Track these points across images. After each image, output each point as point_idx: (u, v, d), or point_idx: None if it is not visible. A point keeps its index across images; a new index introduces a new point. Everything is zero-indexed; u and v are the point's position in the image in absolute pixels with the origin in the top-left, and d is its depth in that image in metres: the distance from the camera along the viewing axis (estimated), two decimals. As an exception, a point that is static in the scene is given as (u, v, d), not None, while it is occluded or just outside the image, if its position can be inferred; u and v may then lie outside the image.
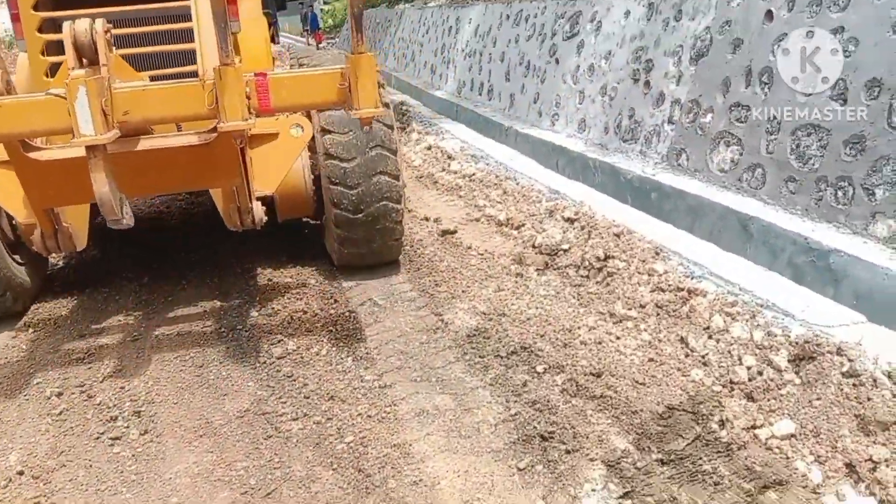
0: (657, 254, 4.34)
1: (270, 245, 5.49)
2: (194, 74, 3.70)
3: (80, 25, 2.95)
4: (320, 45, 25.75)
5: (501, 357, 3.64)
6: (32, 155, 3.28)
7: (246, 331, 4.17)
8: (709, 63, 5.74)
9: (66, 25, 2.97)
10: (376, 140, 4.39)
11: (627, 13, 7.17)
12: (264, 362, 3.80)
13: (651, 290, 4.03)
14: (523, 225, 5.56)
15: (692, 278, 4.05)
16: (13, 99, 3.02)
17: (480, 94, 11.05)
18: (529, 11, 9.80)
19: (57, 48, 3.97)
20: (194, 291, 4.78)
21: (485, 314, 4.15)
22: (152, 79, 3.75)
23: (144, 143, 3.29)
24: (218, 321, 4.31)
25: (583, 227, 5.08)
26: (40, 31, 4.06)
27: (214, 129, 3.16)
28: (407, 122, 10.24)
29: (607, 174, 6.60)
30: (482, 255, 5.15)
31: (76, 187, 3.15)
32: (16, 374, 3.83)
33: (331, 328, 4.14)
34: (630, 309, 3.92)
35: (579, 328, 3.87)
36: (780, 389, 3.04)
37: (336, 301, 4.50)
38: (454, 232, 5.68)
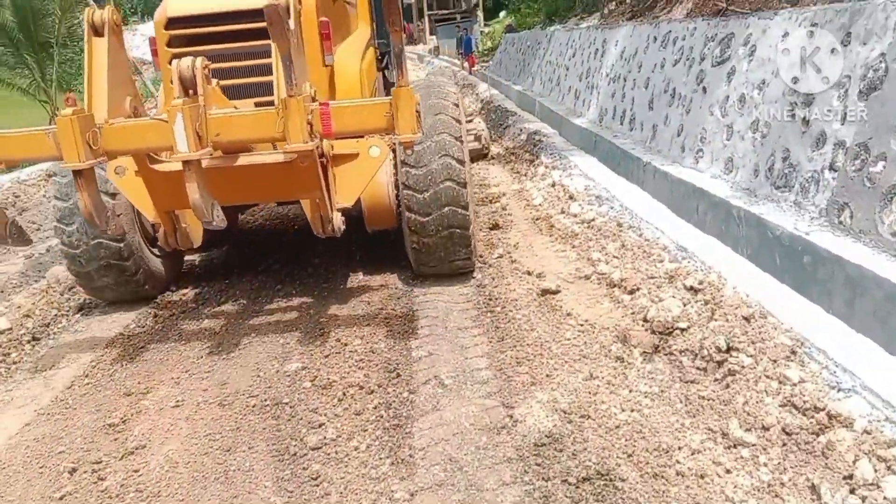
0: (794, 353, 3.34)
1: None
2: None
3: (184, 63, 3.57)
4: (473, 69, 25.54)
5: (570, 484, 2.84)
6: (154, 166, 4.05)
7: (291, 406, 3.66)
8: (882, 99, 4.56)
9: (174, 63, 3.60)
10: (445, 175, 4.86)
11: (786, 35, 6.04)
12: (295, 454, 3.24)
13: (780, 404, 3.06)
14: (638, 289, 4.68)
15: (837, 391, 3.03)
16: (133, 121, 3.84)
17: (622, 124, 10.10)
18: (678, 33, 8.76)
19: None
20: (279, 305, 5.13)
21: (565, 413, 3.36)
22: (257, 104, 4.41)
23: (235, 160, 3.97)
24: (268, 388, 3.85)
25: (706, 302, 4.12)
26: (170, 63, 4.33)
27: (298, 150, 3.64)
28: (536, 155, 9.51)
29: (752, 227, 5.52)
30: (581, 325, 4.33)
31: (186, 193, 3.57)
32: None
33: (382, 412, 3.53)
34: (749, 430, 2.98)
35: (680, 449, 2.98)
36: None
37: (398, 375, 3.89)
38: (556, 292, 4.90)
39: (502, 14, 40.65)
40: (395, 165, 5.07)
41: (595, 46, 12.65)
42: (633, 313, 4.40)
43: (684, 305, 4.20)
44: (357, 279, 5.60)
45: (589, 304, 4.69)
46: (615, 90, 10.83)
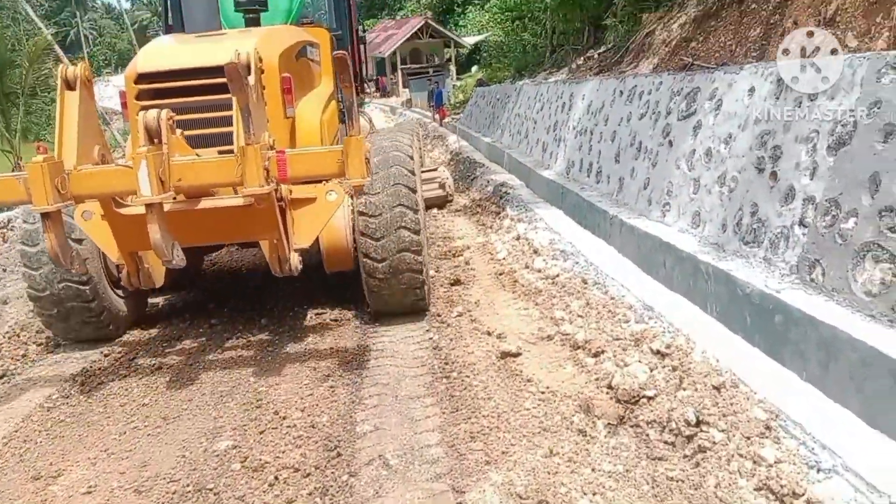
0: (768, 428, 3.03)
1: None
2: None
3: (150, 114, 3.89)
4: (444, 121, 25.62)
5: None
6: (119, 210, 4.28)
7: (216, 493, 3.25)
8: (852, 153, 4.39)
9: (140, 114, 3.92)
10: (399, 223, 5.14)
11: (752, 90, 5.92)
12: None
13: (755, 487, 2.74)
14: (602, 352, 4.38)
15: (817, 471, 2.72)
16: (100, 168, 4.13)
17: (589, 176, 9.95)
18: (643, 87, 8.69)
19: None
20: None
21: (521, 498, 3.00)
22: (220, 152, 4.60)
23: (196, 204, 4.21)
24: (192, 470, 3.44)
25: (674, 368, 3.83)
26: (138, 115, 4.61)
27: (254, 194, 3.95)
28: (502, 207, 9.30)
29: (721, 283, 5.27)
30: (542, 393, 4.00)
31: (147, 236, 3.80)
32: None
33: (317, 500, 3.14)
34: (722, 520, 2.66)
35: (645, 542, 2.64)
36: None
37: (339, 455, 3.51)
38: (517, 355, 4.58)
39: (474, 69, 41.27)
40: (353, 211, 5.28)
41: (562, 100, 12.63)
42: (597, 379, 4.08)
43: (651, 371, 3.91)
44: (308, 333, 5.28)
45: (551, 369, 4.37)
46: (582, 143, 10.74)
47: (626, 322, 4.69)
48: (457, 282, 6.36)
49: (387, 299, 5.36)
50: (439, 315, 5.45)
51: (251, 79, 3.96)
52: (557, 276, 6.00)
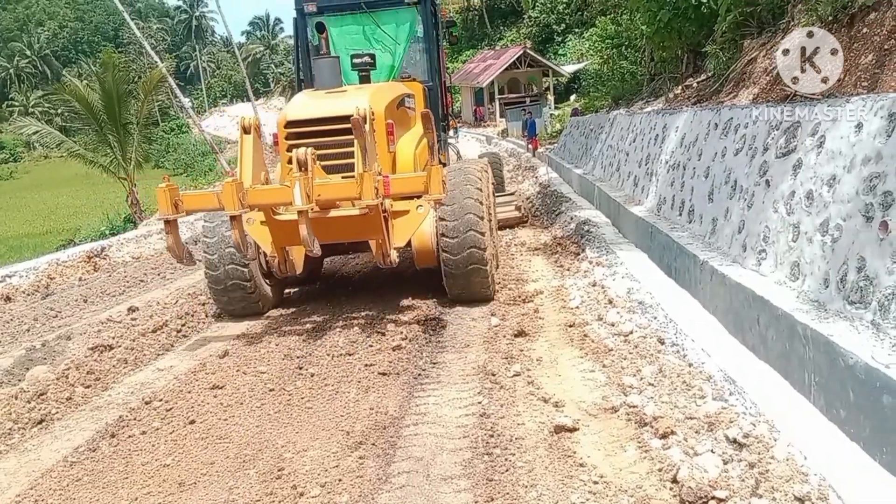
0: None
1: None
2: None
3: (300, 151, 5.73)
4: (537, 151, 25.13)
5: None
6: (276, 217, 6.22)
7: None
8: None
9: (294, 151, 5.82)
10: (468, 226, 6.81)
11: (859, 126, 5.14)
12: None
13: None
14: (671, 434, 3.75)
15: None
16: (268, 186, 6.21)
17: (680, 215, 9.22)
18: (740, 120, 7.94)
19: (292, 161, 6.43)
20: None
21: None
22: (343, 177, 6.36)
23: (327, 213, 6.05)
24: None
25: (751, 465, 3.17)
26: (287, 150, 6.76)
27: (367, 207, 5.78)
28: (582, 247, 8.72)
29: (820, 351, 4.52)
30: (595, 483, 3.43)
31: (296, 235, 5.69)
32: None
33: None
34: None
35: None
36: None
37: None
38: (573, 430, 4.03)
39: (573, 98, 40.67)
40: (437, 222, 6.95)
41: (655, 132, 11.96)
42: (660, 469, 3.47)
43: (724, 465, 3.27)
44: (352, 387, 4.92)
45: (610, 451, 3.78)
46: (674, 178, 10.03)
47: (702, 398, 4.05)
48: (521, 333, 5.93)
49: (460, 287, 7.03)
50: (494, 374, 4.99)
51: (367, 126, 5.91)
52: (631, 333, 5.43)
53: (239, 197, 5.77)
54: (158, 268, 10.69)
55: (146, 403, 5.08)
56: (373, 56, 8.07)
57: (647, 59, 19.62)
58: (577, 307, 6.57)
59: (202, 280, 8.54)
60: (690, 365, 4.60)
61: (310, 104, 7.21)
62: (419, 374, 5.26)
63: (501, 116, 46.83)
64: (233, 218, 5.88)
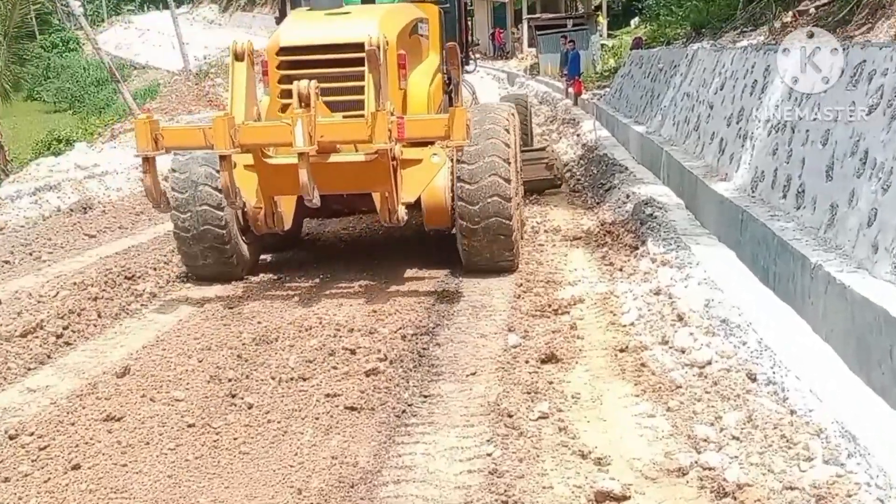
0: None
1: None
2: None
3: (302, 84, 6.73)
4: (580, 97, 25.22)
5: None
6: (267, 161, 7.30)
7: None
8: None
9: (295, 84, 6.80)
10: (492, 191, 8.02)
11: None
12: None
13: None
14: (762, 511, 3.82)
15: None
16: (264, 123, 7.48)
17: (784, 197, 9.32)
18: (876, 64, 8.01)
19: (286, 95, 7.66)
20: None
21: None
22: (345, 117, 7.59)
23: (328, 157, 7.19)
24: None
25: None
26: (279, 83, 8.04)
27: (375, 152, 6.95)
28: (641, 239, 8.79)
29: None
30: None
31: (290, 182, 6.87)
32: None
33: None
34: None
35: None
36: None
37: None
38: (622, 500, 4.11)
39: (634, 22, 40.80)
40: (453, 175, 8.16)
41: (753, 76, 12.06)
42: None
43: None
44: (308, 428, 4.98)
45: (674, 531, 3.85)
46: (778, 144, 10.15)
47: (808, 460, 4.13)
48: (550, 358, 6.06)
49: (478, 258, 8.34)
50: (511, 415, 5.09)
51: (381, 58, 6.99)
52: (709, 363, 5.57)
53: (230, 134, 6.72)
54: (30, 245, 10.74)
55: (10, 438, 5.12)
56: None
57: (744, -29, 19.69)
58: (632, 324, 6.70)
59: (93, 264, 8.85)
60: (793, 412, 4.70)
61: (308, 28, 8.35)
62: (403, 411, 5.33)
63: (531, 46, 47.02)
64: (223, 158, 6.85)
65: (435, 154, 7.62)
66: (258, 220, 7.64)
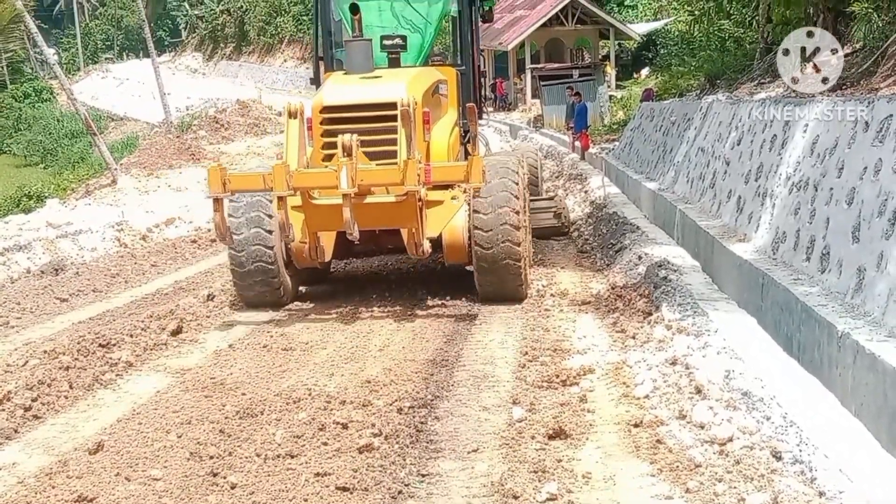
0: None
1: None
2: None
3: (345, 137, 8.97)
4: (587, 152, 25.42)
5: None
6: (313, 201, 9.52)
7: None
8: None
9: (339, 137, 9.09)
10: (503, 220, 10.11)
11: None
12: None
13: None
14: None
15: None
16: (314, 170, 9.85)
17: (808, 260, 9.36)
18: (904, 118, 8.10)
19: (329, 146, 9.94)
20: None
21: None
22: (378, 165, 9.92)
23: (368, 199, 9.47)
24: None
25: None
26: (322, 136, 10.25)
27: (405, 194, 9.15)
28: (655, 304, 8.81)
29: None
30: None
31: (333, 219, 9.27)
32: None
33: None
34: None
35: None
36: None
37: None
38: None
39: (644, 72, 41.26)
40: (469, 216, 10.15)
41: (772, 131, 12.18)
42: None
43: None
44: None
45: None
46: (799, 203, 10.22)
47: (839, 546, 4.09)
48: (559, 433, 6.03)
49: (491, 285, 10.31)
50: (516, 497, 5.06)
51: (412, 115, 9.21)
52: (730, 440, 5.55)
53: (286, 179, 8.94)
54: (-2, 308, 10.72)
55: (-27, 521, 5.08)
56: (404, 38, 11.54)
57: (760, 20, 19.96)
58: (647, 396, 6.68)
59: (64, 330, 8.87)
60: (822, 494, 4.70)
61: (348, 90, 10.61)
62: (399, 492, 5.30)
63: (534, 97, 47.44)
64: (280, 199, 9.02)
65: (454, 197, 10.13)
66: (302, 254, 10.05)
